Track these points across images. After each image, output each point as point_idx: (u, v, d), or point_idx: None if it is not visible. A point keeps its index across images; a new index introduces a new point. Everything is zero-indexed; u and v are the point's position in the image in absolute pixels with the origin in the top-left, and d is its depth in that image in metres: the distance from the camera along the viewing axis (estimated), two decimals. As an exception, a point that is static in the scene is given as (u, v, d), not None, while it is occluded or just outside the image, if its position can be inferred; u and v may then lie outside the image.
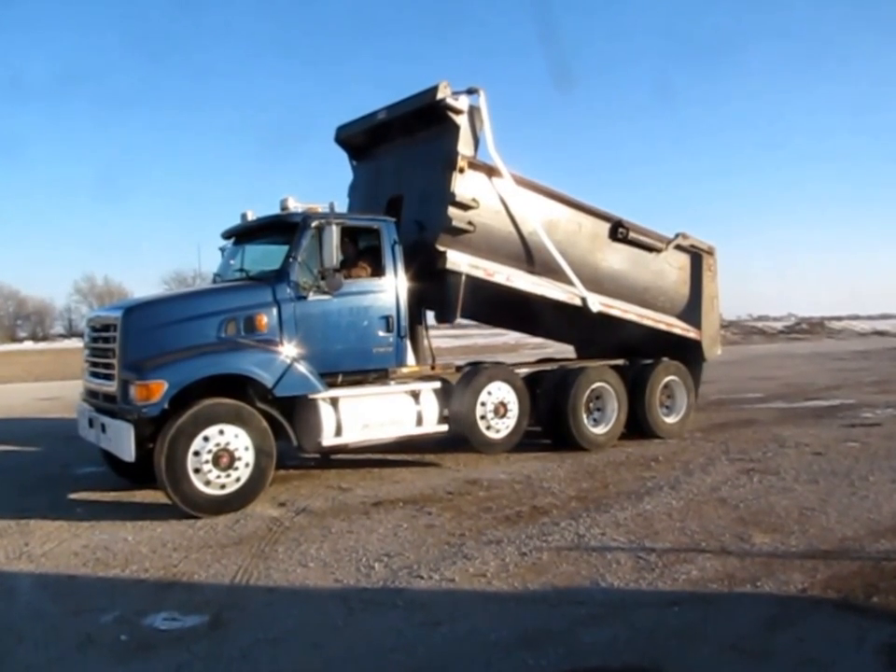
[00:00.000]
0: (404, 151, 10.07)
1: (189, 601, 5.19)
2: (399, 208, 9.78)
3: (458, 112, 9.24)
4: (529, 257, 10.13)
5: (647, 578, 5.41)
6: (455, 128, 9.25)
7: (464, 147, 9.27)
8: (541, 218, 10.15)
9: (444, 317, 9.84)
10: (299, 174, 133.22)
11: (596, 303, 10.63)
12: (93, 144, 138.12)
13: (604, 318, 10.94)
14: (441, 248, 9.18)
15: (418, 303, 9.70)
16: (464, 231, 9.33)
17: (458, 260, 9.25)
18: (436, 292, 9.63)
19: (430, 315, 10.33)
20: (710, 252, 12.36)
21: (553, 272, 10.26)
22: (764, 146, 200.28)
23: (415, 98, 9.56)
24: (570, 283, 10.39)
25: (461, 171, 9.19)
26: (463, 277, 9.32)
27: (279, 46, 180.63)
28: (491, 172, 9.67)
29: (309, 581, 5.57)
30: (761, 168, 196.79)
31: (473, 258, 9.45)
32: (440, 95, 9.11)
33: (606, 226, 10.98)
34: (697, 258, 12.19)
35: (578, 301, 10.49)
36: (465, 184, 9.27)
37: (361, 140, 10.80)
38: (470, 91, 9.35)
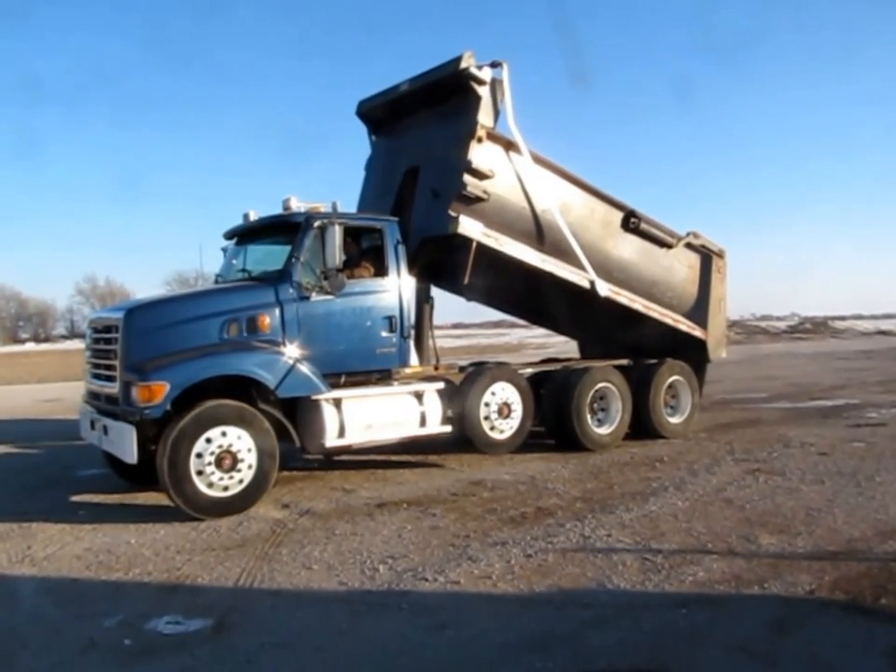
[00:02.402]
0: (424, 123, 10.06)
1: (193, 605, 5.17)
2: (415, 179, 9.79)
3: (481, 83, 9.26)
4: (541, 235, 10.10)
5: (653, 579, 5.38)
6: (477, 98, 9.26)
7: (484, 117, 9.29)
8: (556, 198, 10.14)
9: (452, 284, 9.78)
10: (303, 175, 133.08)
11: (604, 288, 10.57)
12: (97, 145, 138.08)
13: (610, 307, 10.91)
14: (454, 214, 9.14)
15: (428, 276, 9.74)
16: (478, 200, 9.32)
17: (470, 227, 9.21)
18: (445, 260, 9.65)
19: (433, 317, 10.30)
20: (721, 255, 12.34)
21: (563, 254, 10.23)
22: (769, 145, 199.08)
23: (439, 68, 9.57)
24: (580, 266, 10.34)
25: (479, 140, 9.20)
26: (474, 244, 9.29)
27: (295, 48, 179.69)
28: (509, 146, 9.70)
29: (313, 583, 5.54)
30: (765, 167, 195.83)
31: (486, 228, 9.43)
32: (463, 64, 9.12)
33: (619, 215, 10.96)
34: (707, 258, 12.17)
35: (586, 284, 10.43)
36: (482, 153, 9.28)
37: (382, 113, 10.80)
38: (494, 65, 9.38)
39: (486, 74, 9.28)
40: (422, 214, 9.42)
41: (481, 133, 9.20)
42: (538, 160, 9.93)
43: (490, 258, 9.54)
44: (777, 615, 4.77)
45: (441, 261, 9.69)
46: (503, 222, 9.67)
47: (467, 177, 9.12)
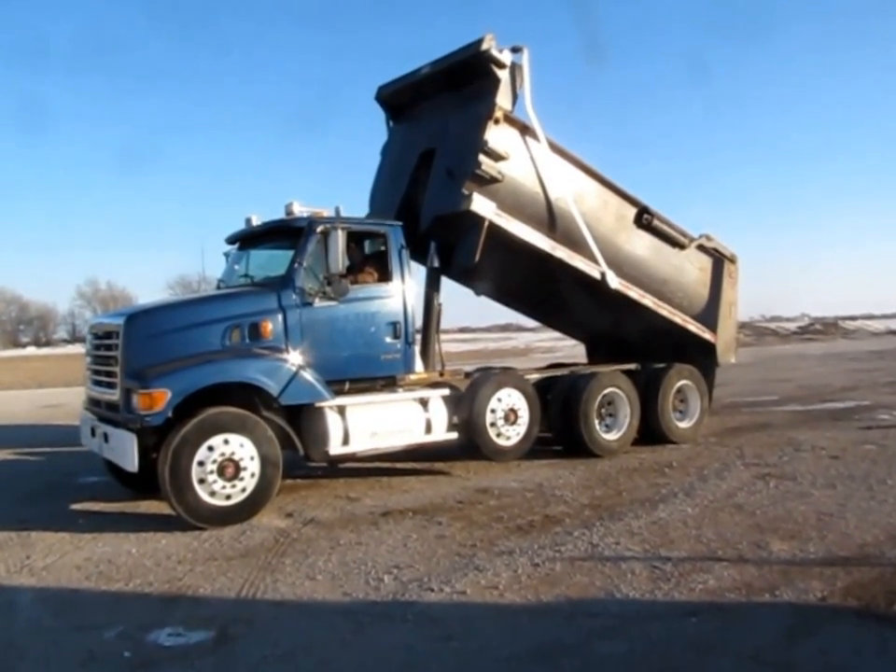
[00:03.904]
0: (442, 106, 10.06)
1: (195, 616, 5.10)
2: (429, 162, 9.79)
3: (501, 66, 9.27)
4: (552, 223, 10.06)
5: (663, 588, 5.30)
6: (496, 80, 9.27)
7: (502, 99, 9.30)
8: (570, 187, 10.11)
9: (462, 262, 9.69)
10: (307, 177, 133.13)
11: (615, 280, 10.49)
12: (97, 146, 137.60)
13: (619, 302, 10.84)
14: (467, 192, 9.11)
15: (438, 260, 9.74)
16: (492, 181, 9.28)
17: (483, 205, 9.18)
18: (456, 239, 9.59)
19: (440, 322, 10.23)
20: (732, 260, 12.28)
21: (574, 244, 10.18)
22: (774, 144, 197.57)
23: (459, 51, 9.58)
24: (591, 257, 10.28)
25: (496, 122, 9.21)
26: (485, 225, 9.24)
27: (304, 26, 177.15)
28: (525, 130, 9.72)
29: (317, 594, 5.47)
30: (772, 167, 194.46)
31: (498, 209, 9.39)
32: (484, 46, 9.13)
33: (632, 210, 10.91)
34: (719, 262, 12.11)
35: (596, 274, 10.35)
36: (498, 135, 9.27)
37: (401, 98, 10.81)
38: (515, 49, 9.41)
39: (506, 57, 9.31)
40: (435, 193, 9.44)
41: (498, 114, 9.20)
42: (554, 147, 9.93)
43: (500, 245, 9.50)
44: (788, 623, 4.70)
45: (452, 246, 9.65)
46: (516, 205, 9.64)
47: (482, 157, 9.09)
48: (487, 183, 9.25)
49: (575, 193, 10.15)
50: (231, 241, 9.71)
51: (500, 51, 9.24)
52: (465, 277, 10.64)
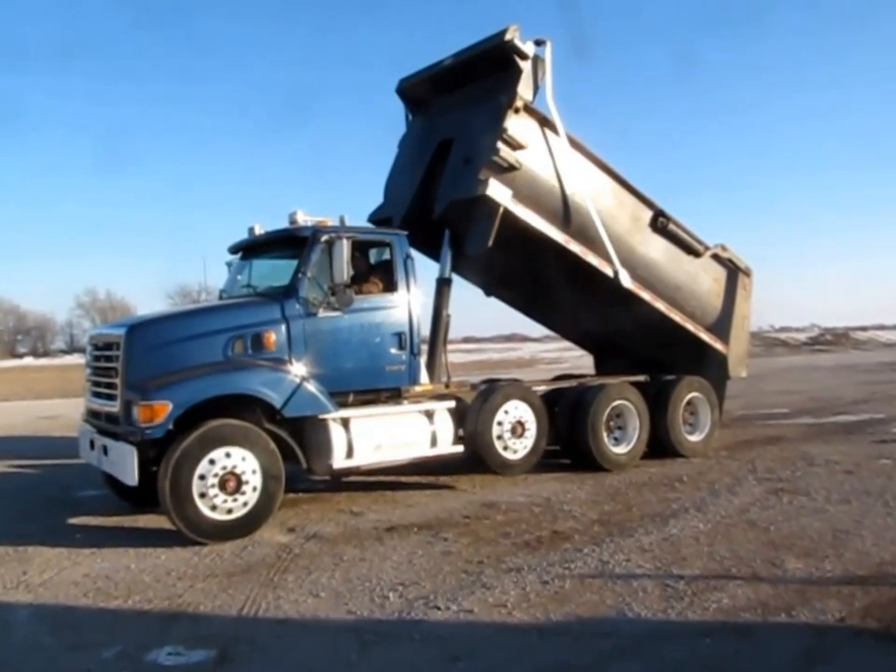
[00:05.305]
0: (462, 98, 10.11)
1: (195, 634, 5.01)
2: (447, 152, 9.82)
3: (523, 56, 9.36)
4: (567, 217, 10.04)
5: (675, 607, 5.18)
6: (518, 71, 9.35)
7: (524, 89, 9.39)
8: (587, 183, 10.12)
9: (474, 248, 9.64)
10: (308, 181, 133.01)
11: (628, 279, 10.41)
12: (95, 151, 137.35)
13: (630, 307, 10.75)
14: (483, 177, 9.11)
15: (449, 246, 9.80)
16: (509, 170, 9.31)
17: (500, 191, 9.17)
18: (469, 224, 9.55)
19: (448, 333, 10.15)
20: (747, 273, 12.23)
21: (588, 241, 10.14)
22: (779, 148, 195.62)
23: (482, 42, 9.66)
24: (605, 255, 10.23)
25: (516, 111, 9.29)
26: (500, 212, 9.21)
27: (288, 26, 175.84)
28: (545, 123, 9.79)
29: (320, 612, 5.37)
30: (779, 174, 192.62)
31: (514, 198, 9.39)
32: (508, 36, 9.21)
33: (648, 212, 10.88)
34: (734, 274, 12.05)
35: (609, 271, 10.29)
36: (517, 124, 9.33)
37: (422, 91, 10.86)
38: (538, 42, 9.51)
39: (529, 48, 9.38)
40: (452, 180, 9.48)
41: (518, 103, 9.27)
42: (572, 142, 9.97)
43: (512, 239, 9.46)
44: (805, 644, 4.59)
45: (464, 239, 9.65)
46: (531, 196, 9.63)
47: (500, 144, 9.11)
48: (504, 171, 9.27)
49: (592, 190, 10.16)
50: (233, 250, 9.64)
51: (524, 43, 9.31)
52: (474, 273, 10.56)
